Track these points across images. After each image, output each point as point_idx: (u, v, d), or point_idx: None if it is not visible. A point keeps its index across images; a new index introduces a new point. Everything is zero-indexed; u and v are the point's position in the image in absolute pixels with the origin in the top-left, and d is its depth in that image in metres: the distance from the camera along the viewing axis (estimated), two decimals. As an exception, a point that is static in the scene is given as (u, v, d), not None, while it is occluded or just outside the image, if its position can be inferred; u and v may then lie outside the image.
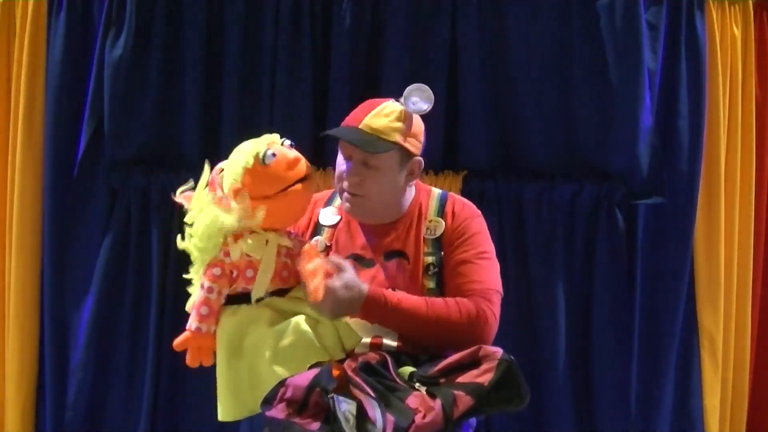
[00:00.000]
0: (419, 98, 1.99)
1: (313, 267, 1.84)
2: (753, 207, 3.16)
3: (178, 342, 1.87)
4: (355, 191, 1.99)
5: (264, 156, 1.83)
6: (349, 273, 1.91)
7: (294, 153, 1.89)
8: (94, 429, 3.06)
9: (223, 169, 1.88)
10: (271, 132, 2.98)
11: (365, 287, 1.91)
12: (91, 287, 3.04)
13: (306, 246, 1.91)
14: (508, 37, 3.02)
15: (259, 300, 1.87)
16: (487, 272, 2.01)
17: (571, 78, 3.03)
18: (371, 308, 1.91)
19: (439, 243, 2.03)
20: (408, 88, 1.99)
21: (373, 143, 1.96)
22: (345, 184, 2.01)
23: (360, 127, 1.98)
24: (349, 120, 2.03)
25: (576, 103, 3.04)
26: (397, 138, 1.98)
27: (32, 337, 3.10)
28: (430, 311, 1.92)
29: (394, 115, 1.98)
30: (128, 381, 3.05)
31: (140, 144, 3.04)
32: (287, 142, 1.91)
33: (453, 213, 2.07)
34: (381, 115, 1.98)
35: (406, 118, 1.99)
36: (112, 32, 2.97)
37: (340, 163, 2.04)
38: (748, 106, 3.15)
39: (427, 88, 1.99)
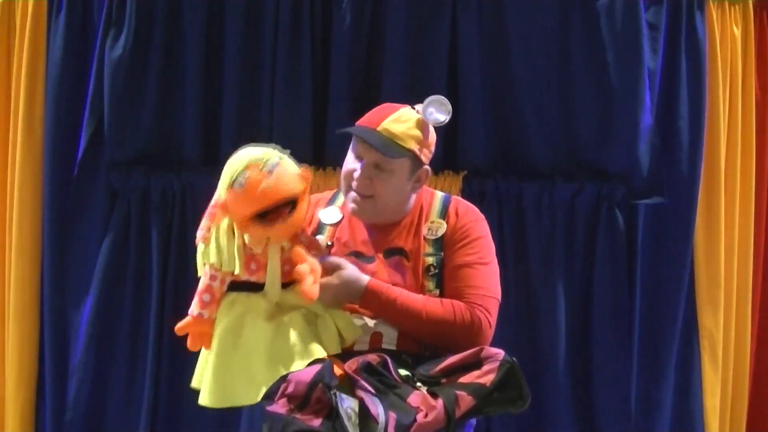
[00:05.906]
0: (437, 110, 2.01)
1: (305, 268, 1.83)
2: (753, 207, 3.16)
3: (179, 326, 1.89)
4: (364, 192, 2.00)
5: (234, 182, 1.80)
6: (348, 270, 1.93)
7: (274, 180, 1.79)
8: (94, 429, 3.05)
9: None
10: (270, 133, 2.99)
11: (366, 279, 1.94)
12: (91, 287, 3.03)
13: (296, 248, 1.87)
14: (508, 38, 3.02)
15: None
16: (486, 278, 2.02)
17: (571, 78, 3.03)
18: (371, 300, 1.94)
19: (440, 243, 2.04)
20: (427, 99, 2.02)
21: (391, 147, 1.97)
22: (354, 184, 2.02)
23: (378, 129, 1.98)
24: (365, 121, 2.03)
25: (576, 103, 3.04)
26: (413, 146, 2.00)
27: (32, 337, 3.09)
28: (426, 310, 1.94)
29: (412, 123, 2.00)
30: (128, 381, 3.04)
31: (140, 144, 3.03)
32: (275, 160, 1.82)
33: (456, 214, 2.07)
34: (399, 121, 2.00)
35: (423, 127, 2.02)
36: (112, 32, 2.97)
37: (350, 161, 2.04)
38: (748, 106, 3.15)
39: (446, 100, 2.02)
